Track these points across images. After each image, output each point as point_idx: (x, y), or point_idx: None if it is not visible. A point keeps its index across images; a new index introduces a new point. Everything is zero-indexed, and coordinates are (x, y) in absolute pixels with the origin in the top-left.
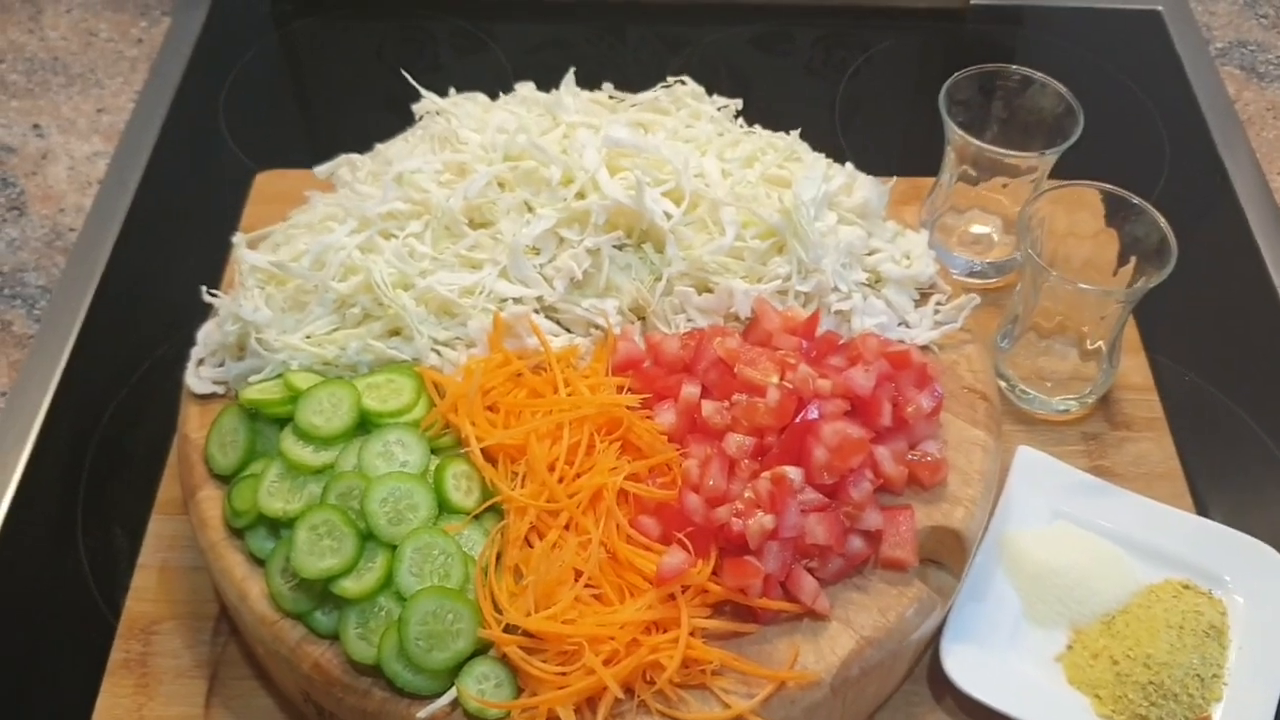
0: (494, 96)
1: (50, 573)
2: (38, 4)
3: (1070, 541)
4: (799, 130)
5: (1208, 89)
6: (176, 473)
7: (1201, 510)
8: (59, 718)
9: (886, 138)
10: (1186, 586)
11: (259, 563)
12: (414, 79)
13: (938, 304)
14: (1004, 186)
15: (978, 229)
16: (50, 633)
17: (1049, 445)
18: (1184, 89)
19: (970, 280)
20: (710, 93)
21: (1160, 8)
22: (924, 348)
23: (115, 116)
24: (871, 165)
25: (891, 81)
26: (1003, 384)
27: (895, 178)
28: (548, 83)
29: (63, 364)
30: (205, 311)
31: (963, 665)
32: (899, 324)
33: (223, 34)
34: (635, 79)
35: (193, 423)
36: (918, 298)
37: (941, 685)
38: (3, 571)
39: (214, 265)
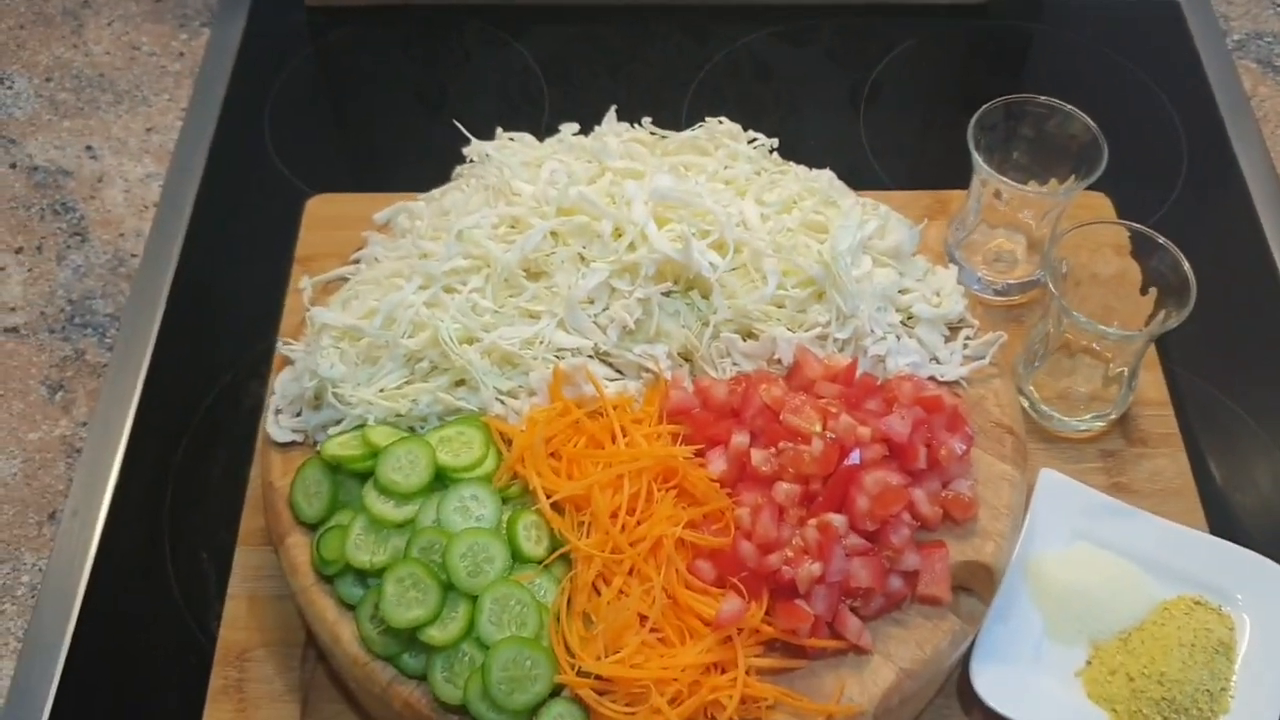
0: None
1: (145, 600)
2: (79, 17)
3: (1090, 563)
4: (829, 169)
5: (1225, 86)
6: (257, 505)
7: (1213, 524)
8: None
9: (910, 137)
10: (1198, 603)
11: (348, 606)
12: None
13: (966, 339)
14: (1028, 212)
15: (1002, 246)
16: (149, 659)
17: (1068, 463)
18: (1201, 86)
19: (994, 299)
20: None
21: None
22: (953, 383)
23: (164, 136)
24: (895, 166)
25: (915, 78)
26: (1024, 403)
27: (926, 220)
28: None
29: (138, 393)
30: (268, 334)
31: (991, 683)
32: (930, 359)
33: (261, 46)
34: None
35: (276, 470)
36: (948, 334)
37: (970, 698)
38: (101, 598)
39: (272, 286)
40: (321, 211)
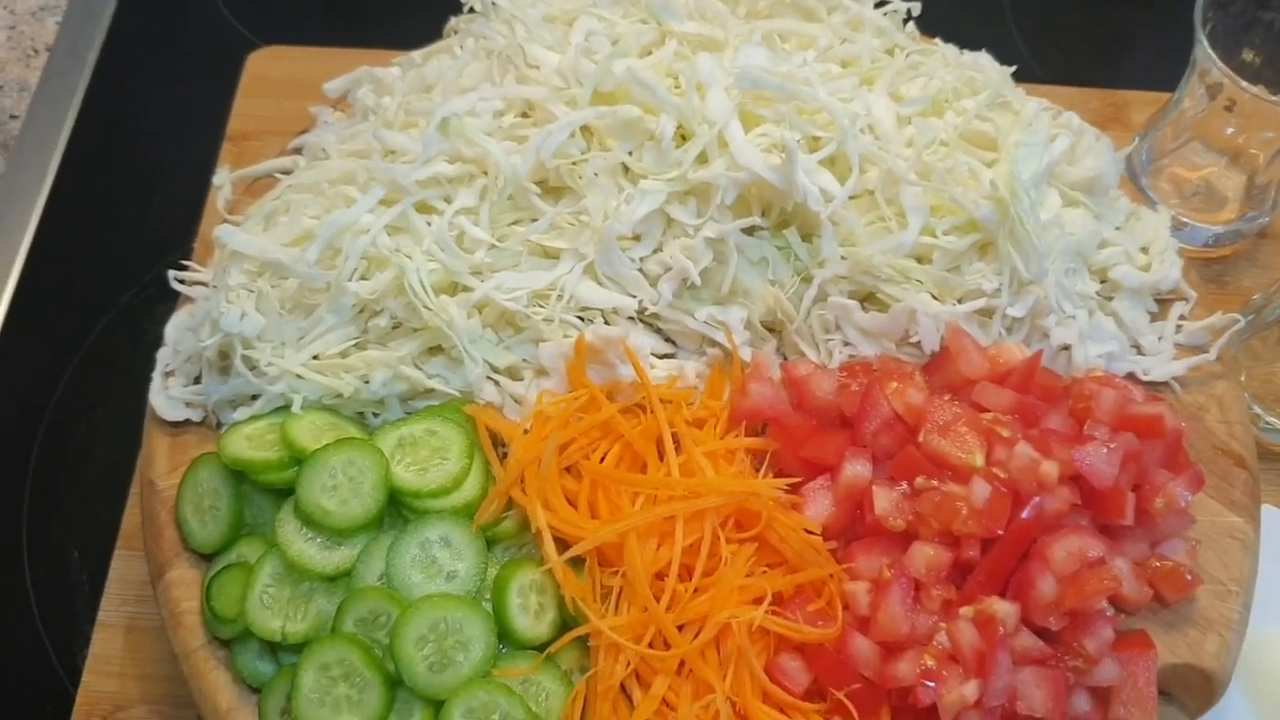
0: None
1: None
2: None
3: None
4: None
5: None
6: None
7: None
8: None
9: (1073, 12)
10: None
11: (252, 687)
12: None
13: (1180, 319)
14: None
15: (1210, 178)
16: None
17: None
18: None
19: (1193, 249)
20: None
21: None
22: (1159, 383)
23: None
24: (1050, 52)
25: None
26: None
27: (1137, 139)
28: None
29: None
30: (189, 237)
31: None
32: (1131, 347)
33: None
34: None
35: (159, 464)
36: (1155, 309)
37: None
38: None
39: (199, 173)
40: (268, 70)
